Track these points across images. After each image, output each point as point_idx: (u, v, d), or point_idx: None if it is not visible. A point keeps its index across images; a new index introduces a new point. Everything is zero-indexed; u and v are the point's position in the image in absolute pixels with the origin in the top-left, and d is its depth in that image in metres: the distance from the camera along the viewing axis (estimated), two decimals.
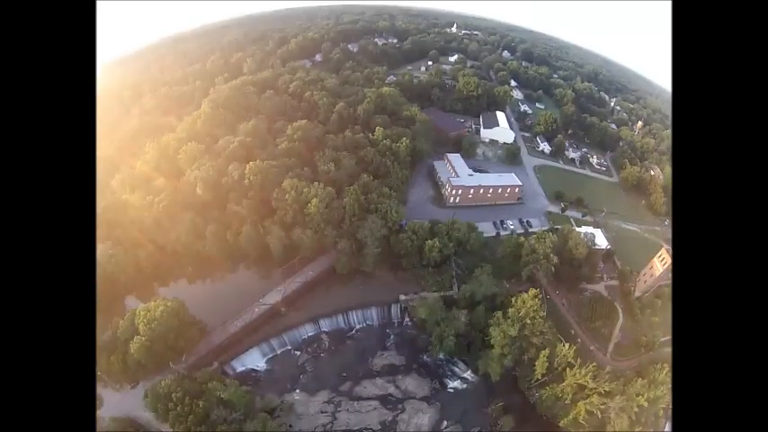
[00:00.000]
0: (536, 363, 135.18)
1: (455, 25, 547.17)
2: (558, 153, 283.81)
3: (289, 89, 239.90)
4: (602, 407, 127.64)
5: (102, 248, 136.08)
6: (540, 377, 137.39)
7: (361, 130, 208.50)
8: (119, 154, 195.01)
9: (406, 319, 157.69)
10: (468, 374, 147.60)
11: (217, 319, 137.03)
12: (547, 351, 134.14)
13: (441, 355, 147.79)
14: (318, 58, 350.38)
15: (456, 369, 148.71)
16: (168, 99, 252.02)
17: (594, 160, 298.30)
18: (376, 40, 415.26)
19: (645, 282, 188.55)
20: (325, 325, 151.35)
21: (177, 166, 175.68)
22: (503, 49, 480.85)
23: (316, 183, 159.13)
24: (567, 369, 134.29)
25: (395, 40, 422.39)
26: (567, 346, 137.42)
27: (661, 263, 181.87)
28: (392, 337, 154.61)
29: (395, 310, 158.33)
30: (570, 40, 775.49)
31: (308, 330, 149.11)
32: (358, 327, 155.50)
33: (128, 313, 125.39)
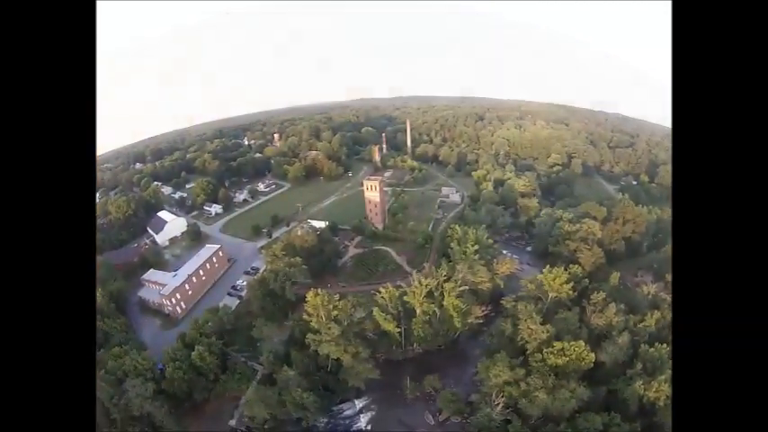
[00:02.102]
0: (383, 327, 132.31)
1: None
2: (229, 205, 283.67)
3: None
4: (458, 283, 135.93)
5: None
6: (397, 330, 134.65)
7: None
8: None
9: None
10: (360, 403, 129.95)
11: None
12: (377, 310, 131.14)
13: (322, 419, 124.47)
14: None
15: (348, 412, 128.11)
16: None
17: (262, 186, 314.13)
18: None
19: (376, 214, 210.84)
20: None
21: None
22: (134, 163, 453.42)
23: None
24: (406, 299, 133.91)
25: None
26: (383, 290, 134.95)
27: (372, 191, 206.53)
28: None
29: None
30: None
31: None
32: None
33: None
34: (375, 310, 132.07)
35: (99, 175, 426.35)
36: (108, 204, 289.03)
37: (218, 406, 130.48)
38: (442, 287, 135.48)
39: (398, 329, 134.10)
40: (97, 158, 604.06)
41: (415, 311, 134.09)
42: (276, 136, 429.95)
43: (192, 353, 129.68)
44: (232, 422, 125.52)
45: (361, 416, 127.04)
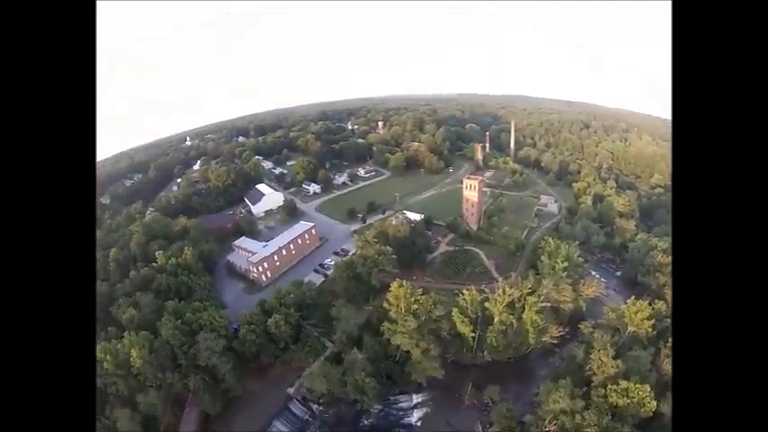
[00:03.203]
0: (458, 328, 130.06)
1: (187, 138, 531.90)
2: (328, 186, 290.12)
3: None
4: (541, 299, 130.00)
5: None
6: (472, 335, 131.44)
7: (145, 264, 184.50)
8: None
9: (314, 406, 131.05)
10: (417, 398, 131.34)
11: None
12: (457, 311, 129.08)
13: (376, 406, 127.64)
14: None
15: (403, 404, 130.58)
16: None
17: (362, 171, 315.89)
18: (123, 182, 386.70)
19: (472, 214, 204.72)
20: None
21: None
22: (237, 137, 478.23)
23: (126, 333, 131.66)
24: (486, 305, 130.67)
25: (140, 175, 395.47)
26: (467, 291, 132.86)
27: (472, 190, 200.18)
28: None
29: (296, 407, 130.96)
30: (294, 103, 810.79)
31: None
32: None
33: None
34: (454, 310, 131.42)
35: (202, 144, 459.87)
36: (209, 172, 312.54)
37: (282, 373, 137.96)
38: (525, 300, 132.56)
39: (473, 334, 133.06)
40: (200, 129, 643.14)
41: (493, 319, 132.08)
42: (380, 123, 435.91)
43: (269, 320, 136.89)
44: (290, 390, 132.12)
45: (415, 411, 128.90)
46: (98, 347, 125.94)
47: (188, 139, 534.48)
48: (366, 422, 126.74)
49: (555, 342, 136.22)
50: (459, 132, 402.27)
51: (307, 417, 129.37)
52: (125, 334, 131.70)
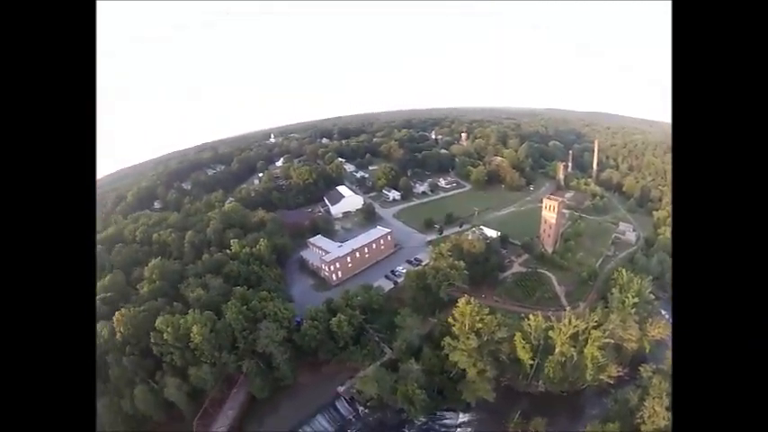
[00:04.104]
0: (518, 353, 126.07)
1: (272, 135, 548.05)
2: (408, 194, 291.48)
3: (136, 237, 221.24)
4: (606, 334, 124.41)
5: None
6: (530, 362, 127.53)
7: (218, 250, 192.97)
8: None
9: (360, 408, 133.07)
10: (463, 417, 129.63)
11: None
12: (519, 335, 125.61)
13: (421, 419, 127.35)
14: (157, 204, 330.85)
15: (447, 421, 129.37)
16: None
17: (443, 182, 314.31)
18: (206, 170, 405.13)
19: (549, 236, 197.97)
20: None
21: None
22: (321, 138, 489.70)
23: (191, 310, 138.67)
24: (550, 333, 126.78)
25: (222, 166, 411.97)
26: (533, 317, 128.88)
27: (551, 211, 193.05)
28: None
29: (342, 406, 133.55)
30: (377, 110, 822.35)
31: None
32: None
33: None
34: (517, 335, 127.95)
35: (286, 142, 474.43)
36: (291, 170, 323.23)
37: (335, 371, 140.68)
38: (589, 333, 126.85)
39: (532, 362, 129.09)
40: (285, 127, 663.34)
41: (554, 349, 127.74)
42: (464, 135, 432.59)
43: (333, 318, 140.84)
44: (341, 388, 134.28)
45: (458, 430, 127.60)
46: (160, 319, 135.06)
47: (272, 136, 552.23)
48: None
49: (611, 382, 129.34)
50: (541, 149, 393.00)
51: (350, 417, 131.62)
52: (189, 311, 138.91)
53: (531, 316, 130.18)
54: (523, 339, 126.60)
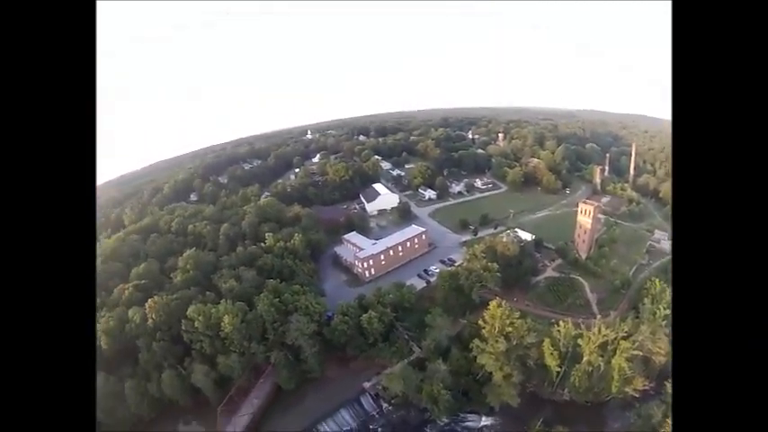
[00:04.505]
0: (545, 359, 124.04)
1: (309, 131, 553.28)
2: (443, 194, 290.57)
3: (171, 228, 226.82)
4: (635, 345, 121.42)
5: None
6: (557, 369, 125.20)
7: (253, 243, 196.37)
8: None
9: (384, 405, 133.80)
10: (485, 421, 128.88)
11: None
12: (548, 341, 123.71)
13: (444, 419, 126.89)
14: (194, 197, 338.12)
15: (470, 423, 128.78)
16: None
17: (479, 182, 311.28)
18: (243, 165, 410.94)
19: (583, 241, 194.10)
20: None
21: None
22: (358, 135, 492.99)
23: (223, 301, 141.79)
24: (579, 342, 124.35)
25: (259, 161, 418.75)
26: (563, 323, 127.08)
27: (586, 216, 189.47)
28: (380, 430, 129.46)
29: (367, 402, 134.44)
30: (412, 108, 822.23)
31: None
32: None
33: None
34: (546, 341, 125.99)
35: (323, 139, 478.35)
36: (327, 166, 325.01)
37: (363, 366, 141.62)
38: (618, 343, 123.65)
39: (559, 369, 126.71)
40: (322, 124, 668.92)
41: (582, 358, 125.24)
42: (500, 135, 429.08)
43: (364, 315, 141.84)
44: (367, 384, 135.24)
45: None
46: (192, 308, 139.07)
47: (309, 132, 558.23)
48: None
49: (637, 395, 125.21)
50: (578, 152, 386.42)
51: (374, 413, 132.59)
52: (221, 301, 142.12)
53: (561, 322, 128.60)
54: (552, 346, 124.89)
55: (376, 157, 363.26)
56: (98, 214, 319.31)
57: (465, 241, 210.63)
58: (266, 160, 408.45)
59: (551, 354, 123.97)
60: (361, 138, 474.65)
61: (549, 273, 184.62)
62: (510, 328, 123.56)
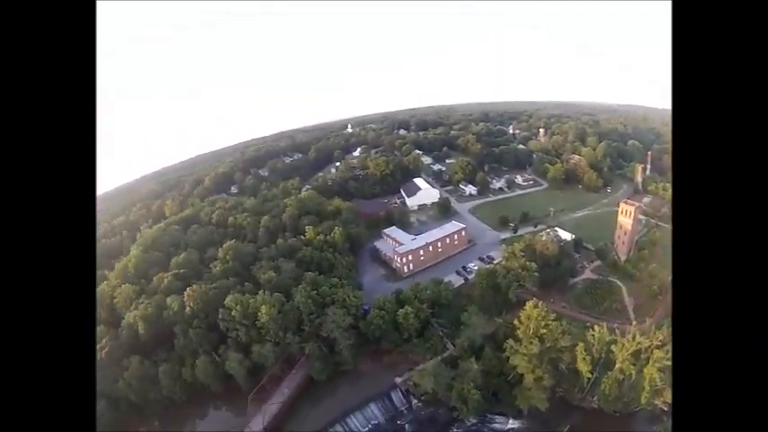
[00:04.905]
0: (577, 364, 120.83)
1: (349, 125, 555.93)
2: (484, 189, 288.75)
3: (212, 219, 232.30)
4: (668, 355, 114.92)
5: None
6: (588, 375, 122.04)
7: (292, 235, 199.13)
8: None
9: (413, 400, 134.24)
10: (512, 424, 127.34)
11: None
12: (582, 346, 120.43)
13: (472, 419, 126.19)
14: (234, 189, 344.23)
15: (496, 425, 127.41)
16: (99, 253, 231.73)
17: (520, 179, 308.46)
18: (283, 158, 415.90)
19: (623, 243, 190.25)
20: None
21: (115, 311, 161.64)
22: (398, 129, 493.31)
23: (261, 291, 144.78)
24: (612, 348, 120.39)
25: (299, 155, 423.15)
26: (598, 328, 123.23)
27: (626, 217, 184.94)
28: (407, 426, 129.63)
29: (396, 397, 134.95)
30: (453, 102, 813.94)
31: None
32: (364, 431, 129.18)
33: None
34: (580, 345, 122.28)
35: (363, 132, 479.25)
36: (368, 160, 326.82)
37: (396, 361, 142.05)
38: (651, 352, 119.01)
39: (590, 375, 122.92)
40: (362, 117, 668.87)
41: (615, 365, 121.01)
42: (542, 131, 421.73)
43: (400, 310, 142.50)
44: (398, 379, 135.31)
45: None
46: (230, 298, 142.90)
47: (349, 126, 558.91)
48: (455, 431, 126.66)
49: (665, 408, 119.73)
50: (620, 149, 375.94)
51: (403, 408, 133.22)
52: (259, 292, 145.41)
53: (596, 327, 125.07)
54: (585, 351, 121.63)
55: (417, 151, 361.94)
56: (139, 205, 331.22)
57: (504, 239, 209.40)
58: (307, 154, 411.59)
59: (584, 359, 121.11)
60: (402, 132, 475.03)
61: (588, 274, 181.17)
62: (545, 330, 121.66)
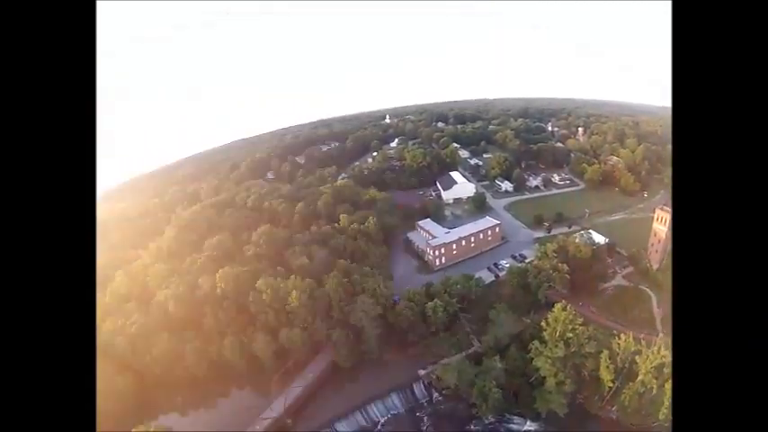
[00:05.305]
0: (600, 372, 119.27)
1: (387, 116, 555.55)
2: (520, 186, 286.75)
3: (247, 204, 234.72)
4: None
5: None
6: (610, 384, 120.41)
7: (327, 223, 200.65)
8: None
9: (435, 394, 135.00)
10: (529, 426, 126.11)
11: None
12: (606, 354, 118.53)
13: (490, 418, 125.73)
14: (270, 175, 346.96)
15: (514, 426, 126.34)
16: (133, 232, 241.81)
17: (557, 178, 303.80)
18: (320, 146, 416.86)
19: (656, 251, 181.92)
20: (344, 427, 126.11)
21: (147, 288, 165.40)
22: (436, 121, 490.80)
23: (292, 276, 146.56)
24: (636, 359, 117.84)
25: (337, 143, 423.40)
26: (624, 336, 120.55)
27: (662, 224, 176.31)
28: (425, 419, 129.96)
29: (418, 389, 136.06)
30: (491, 96, 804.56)
31: None
32: (382, 420, 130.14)
33: None
34: (604, 352, 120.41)
35: (401, 124, 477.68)
36: (405, 151, 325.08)
37: (420, 353, 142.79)
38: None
39: (612, 384, 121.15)
40: (400, 108, 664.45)
41: (637, 377, 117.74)
42: (580, 129, 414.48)
43: (429, 303, 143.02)
44: (422, 372, 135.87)
45: None
46: (261, 281, 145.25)
47: (387, 116, 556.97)
48: (473, 429, 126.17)
49: None
50: (658, 153, 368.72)
51: (423, 401, 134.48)
52: (291, 277, 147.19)
53: (622, 335, 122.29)
54: (609, 359, 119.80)
55: (454, 144, 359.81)
56: (175, 188, 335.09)
57: (538, 238, 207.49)
58: (344, 143, 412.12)
59: (607, 367, 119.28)
60: (440, 124, 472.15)
61: (619, 280, 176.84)
62: (571, 334, 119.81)
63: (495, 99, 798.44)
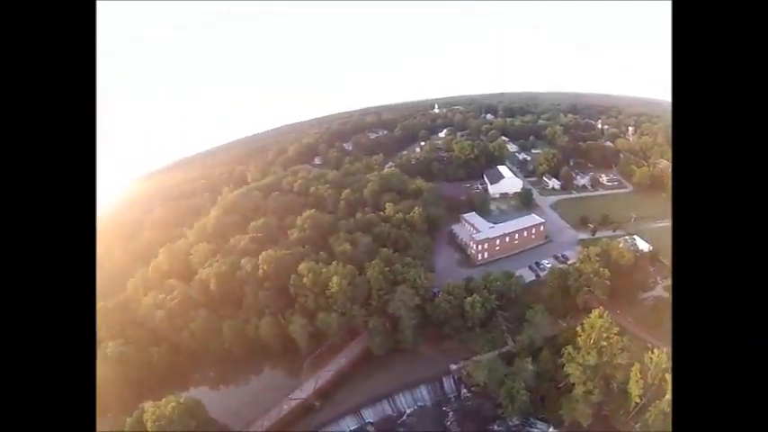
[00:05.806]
0: (629, 385, 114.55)
1: (436, 106, 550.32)
2: (567, 185, 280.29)
3: (293, 188, 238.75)
4: None
5: (112, 345, 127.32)
6: (637, 400, 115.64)
7: (372, 211, 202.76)
8: (132, 263, 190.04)
9: (463, 390, 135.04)
10: (549, 431, 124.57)
11: (241, 422, 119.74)
12: (637, 367, 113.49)
13: (514, 420, 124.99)
14: (317, 161, 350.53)
15: (535, 430, 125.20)
16: (178, 211, 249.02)
17: (604, 178, 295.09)
18: (368, 134, 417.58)
19: None
20: (370, 415, 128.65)
21: (189, 266, 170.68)
22: (485, 113, 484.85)
23: (334, 262, 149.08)
24: (667, 376, 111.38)
25: (385, 131, 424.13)
26: (657, 351, 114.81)
27: None
28: (451, 414, 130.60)
29: (448, 383, 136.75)
30: (539, 89, 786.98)
31: (349, 424, 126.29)
32: (408, 411, 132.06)
33: (135, 412, 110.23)
34: (636, 366, 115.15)
35: (450, 114, 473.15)
36: (453, 142, 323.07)
37: (455, 348, 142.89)
38: None
39: (639, 400, 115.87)
40: (449, 98, 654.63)
41: (664, 395, 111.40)
42: (630, 129, 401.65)
43: (468, 297, 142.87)
44: (453, 366, 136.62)
45: None
46: (303, 265, 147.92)
47: (436, 106, 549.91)
48: (496, 429, 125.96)
49: None
50: None
51: (451, 396, 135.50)
52: (333, 262, 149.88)
53: (655, 350, 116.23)
54: (640, 373, 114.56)
55: (503, 138, 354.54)
56: (221, 170, 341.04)
57: (581, 240, 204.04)
58: (392, 131, 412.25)
59: (637, 381, 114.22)
60: (489, 117, 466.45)
61: (659, 291, 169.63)
62: (605, 343, 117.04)
63: (544, 92, 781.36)
